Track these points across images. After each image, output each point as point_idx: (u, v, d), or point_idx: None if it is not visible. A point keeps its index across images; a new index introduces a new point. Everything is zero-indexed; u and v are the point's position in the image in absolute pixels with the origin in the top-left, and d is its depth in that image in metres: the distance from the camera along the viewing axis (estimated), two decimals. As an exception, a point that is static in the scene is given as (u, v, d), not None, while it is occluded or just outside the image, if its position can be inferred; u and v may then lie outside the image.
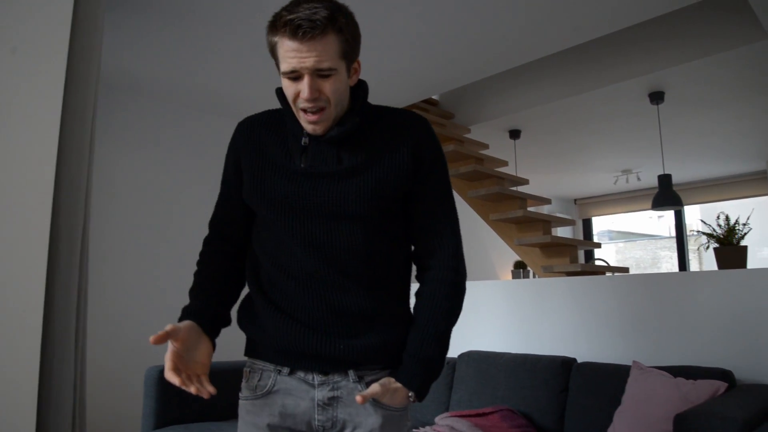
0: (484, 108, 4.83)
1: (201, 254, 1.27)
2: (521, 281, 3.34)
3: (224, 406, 2.82)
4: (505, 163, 5.06)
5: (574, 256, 4.29)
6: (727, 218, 3.03)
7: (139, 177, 3.87)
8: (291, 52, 1.02)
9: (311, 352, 1.10)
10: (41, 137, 1.52)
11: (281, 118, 1.20)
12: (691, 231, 7.04)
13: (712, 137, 5.24)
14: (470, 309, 3.38)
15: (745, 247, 2.97)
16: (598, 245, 4.64)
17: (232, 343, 4.17)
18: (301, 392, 1.12)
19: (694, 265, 7.31)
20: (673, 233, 7.40)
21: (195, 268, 1.28)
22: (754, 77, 3.94)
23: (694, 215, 7.56)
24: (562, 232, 7.76)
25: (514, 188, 4.96)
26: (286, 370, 1.14)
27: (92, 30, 1.70)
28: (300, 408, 1.11)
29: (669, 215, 7.75)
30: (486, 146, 5.17)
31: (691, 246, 7.13)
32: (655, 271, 9.50)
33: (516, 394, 2.64)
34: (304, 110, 1.07)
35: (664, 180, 4.74)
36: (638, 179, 6.76)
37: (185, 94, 3.96)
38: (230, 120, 4.41)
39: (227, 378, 2.84)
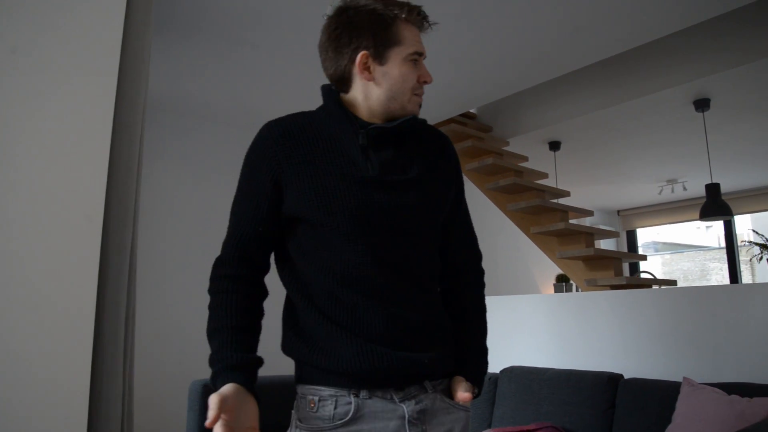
0: (523, 120, 4.79)
1: (219, 281, 1.09)
2: (564, 295, 3.28)
3: (270, 423, 2.84)
4: (545, 176, 4.99)
5: (618, 269, 4.19)
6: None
7: (184, 196, 3.97)
8: (417, 37, 1.10)
9: (389, 370, 1.03)
10: (93, 158, 1.58)
11: (315, 120, 1.12)
12: (742, 241, 6.77)
13: (762, 144, 5.05)
14: (512, 324, 3.34)
15: (802, 258, 2.85)
16: (644, 257, 4.51)
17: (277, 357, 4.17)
18: (387, 413, 1.04)
19: (746, 277, 7.02)
20: (723, 244, 7.14)
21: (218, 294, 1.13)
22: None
23: (745, 225, 7.28)
24: (605, 244, 7.58)
25: (555, 200, 4.88)
26: (365, 393, 1.03)
27: (141, 54, 1.77)
28: (389, 429, 1.03)
29: (718, 225, 7.49)
30: (525, 159, 5.11)
31: (743, 257, 6.86)
32: (705, 283, 9.17)
33: (560, 411, 2.58)
34: (417, 94, 1.12)
35: (712, 189, 4.59)
36: (684, 189, 6.57)
37: (229, 115, 4.06)
38: (270, 137, 4.51)
39: (274, 393, 2.87)
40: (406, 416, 1.03)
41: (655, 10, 2.77)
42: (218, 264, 1.12)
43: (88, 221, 1.55)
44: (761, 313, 2.42)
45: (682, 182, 6.43)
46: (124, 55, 1.71)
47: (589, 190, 6.85)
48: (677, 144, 5.11)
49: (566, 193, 4.93)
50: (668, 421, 2.21)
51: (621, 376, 2.57)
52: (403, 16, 1.07)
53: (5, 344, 1.38)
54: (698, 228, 8.49)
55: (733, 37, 3.32)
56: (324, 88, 1.13)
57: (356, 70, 1.08)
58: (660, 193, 6.83)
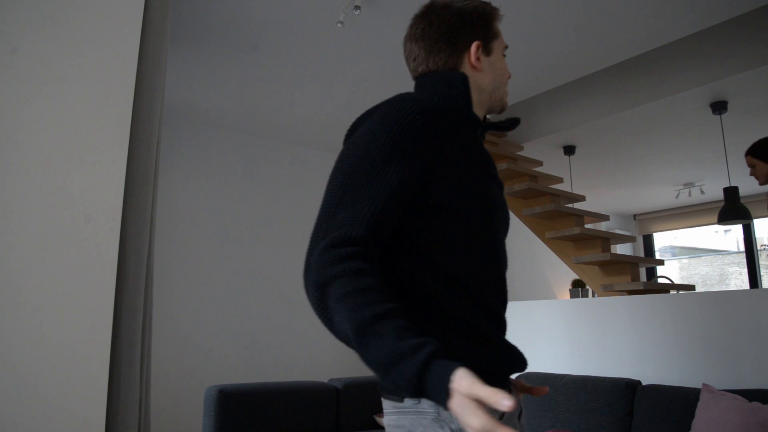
0: (537, 124, 4.77)
1: (351, 260, 0.83)
2: (580, 300, 3.25)
3: (288, 428, 2.84)
4: (560, 180, 4.95)
5: (635, 274, 4.14)
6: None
7: (199, 202, 4.01)
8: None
9: (522, 368, 1.04)
10: (111, 165, 1.60)
11: (446, 107, 1.04)
12: (762, 245, 6.68)
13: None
14: (528, 329, 3.31)
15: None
16: (661, 262, 4.45)
17: (298, 363, 4.20)
18: (513, 412, 1.03)
19: (766, 282, 6.91)
20: (742, 248, 7.04)
21: (345, 276, 0.83)
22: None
23: (765, 228, 7.18)
24: (621, 249, 7.52)
25: (570, 205, 4.84)
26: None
27: (157, 63, 1.79)
28: (517, 425, 1.06)
29: (737, 229, 7.39)
30: (540, 163, 5.09)
31: (763, 261, 6.76)
32: (724, 288, 9.03)
33: (577, 418, 2.56)
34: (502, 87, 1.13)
35: (731, 192, 4.53)
36: (701, 192, 6.48)
37: (243, 122, 4.09)
38: (288, 147, 4.53)
39: (292, 398, 2.88)
40: (522, 411, 1.08)
41: (670, 13, 2.75)
42: (343, 242, 0.85)
43: (105, 228, 1.57)
44: (782, 319, 2.38)
45: (700, 186, 6.35)
46: (141, 63, 1.73)
47: (604, 195, 6.79)
48: (694, 147, 5.05)
49: (581, 198, 4.89)
50: (687, 428, 2.18)
51: (639, 382, 2.54)
52: (496, 18, 1.13)
53: (23, 350, 1.40)
54: (716, 232, 8.37)
55: (750, 40, 3.28)
56: (459, 75, 1.07)
57: (470, 60, 1.09)
58: (677, 196, 6.75)
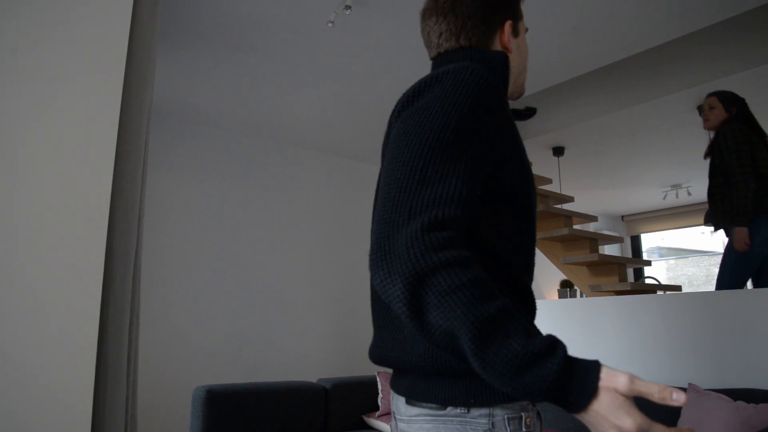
0: (527, 125, 4.79)
1: (454, 248, 0.73)
2: (568, 301, 3.27)
3: (276, 428, 2.84)
4: (549, 181, 4.99)
5: (622, 275, 4.18)
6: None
7: (188, 202, 3.99)
8: None
9: None
10: (98, 163, 1.59)
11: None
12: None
13: None
14: (516, 329, 3.31)
15: (808, 264, 2.83)
16: (648, 263, 4.49)
17: (292, 363, 4.20)
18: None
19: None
20: (728, 249, 7.10)
21: (441, 272, 0.72)
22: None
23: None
24: (609, 249, 7.57)
25: (559, 206, 4.87)
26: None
27: (146, 61, 1.78)
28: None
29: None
30: (529, 164, 5.11)
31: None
32: (710, 288, 9.12)
33: (565, 417, 2.57)
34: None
35: (717, 194, 4.57)
36: (688, 194, 6.55)
37: (233, 121, 4.08)
38: (279, 146, 4.52)
39: (280, 399, 2.88)
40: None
41: (658, 16, 2.77)
42: (441, 224, 0.74)
43: (92, 227, 1.55)
44: (766, 319, 2.41)
45: (687, 187, 6.41)
46: (129, 61, 1.72)
47: (593, 196, 6.84)
48: (681, 149, 5.10)
49: (570, 199, 4.92)
50: (674, 426, 2.20)
51: (626, 382, 2.56)
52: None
53: (8, 349, 1.39)
54: (703, 233, 8.45)
55: (736, 43, 3.32)
56: (501, 54, 1.01)
57: (502, 40, 1.04)
58: (664, 198, 6.81)
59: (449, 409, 0.88)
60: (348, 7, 2.59)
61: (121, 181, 1.67)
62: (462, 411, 0.87)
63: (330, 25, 2.72)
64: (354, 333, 4.54)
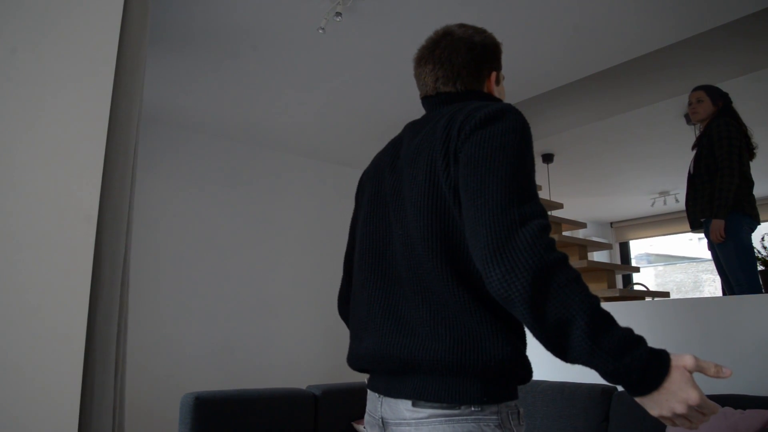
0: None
1: (568, 258, 0.89)
2: (557, 307, 3.27)
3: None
4: (538, 188, 5.02)
5: (611, 281, 4.20)
6: (772, 240, 2.93)
7: (177, 208, 3.97)
8: None
9: None
10: (87, 169, 1.58)
11: None
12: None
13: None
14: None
15: (793, 270, 2.87)
16: (637, 269, 4.53)
17: (279, 370, 4.17)
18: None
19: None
20: (716, 256, 7.17)
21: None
22: (795, 95, 3.84)
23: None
24: (598, 256, 7.61)
25: (549, 213, 4.89)
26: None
27: (136, 66, 1.78)
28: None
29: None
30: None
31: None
32: (698, 295, 9.19)
33: (554, 424, 2.58)
34: None
35: (704, 202, 4.62)
36: (676, 201, 6.61)
37: (223, 127, 4.07)
38: (269, 152, 4.52)
39: (270, 405, 2.86)
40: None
41: (645, 25, 2.81)
42: (548, 230, 0.90)
43: (81, 232, 1.54)
44: (753, 325, 2.43)
45: (675, 194, 6.47)
46: (119, 67, 1.72)
47: (582, 202, 6.89)
48: (669, 156, 5.15)
49: (559, 206, 4.95)
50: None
51: (615, 388, 2.57)
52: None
53: (-5, 357, 1.37)
54: (690, 240, 8.53)
55: (721, 52, 3.36)
56: (499, 101, 1.17)
57: (489, 87, 1.22)
58: (653, 205, 6.87)
59: (463, 408, 0.94)
60: (338, 14, 2.60)
61: (110, 186, 1.67)
62: (476, 409, 0.94)
63: (320, 31, 2.73)
64: (344, 339, 4.51)
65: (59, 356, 1.46)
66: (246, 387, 3.70)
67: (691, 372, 0.82)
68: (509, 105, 1.05)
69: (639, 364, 0.81)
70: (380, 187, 1.16)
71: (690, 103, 3.21)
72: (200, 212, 4.08)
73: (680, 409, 0.81)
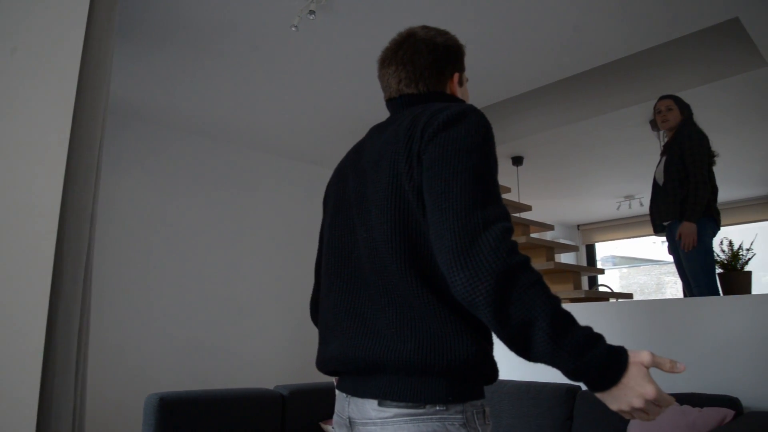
0: (487, 134, 4.87)
1: (530, 260, 0.91)
2: (525, 307, 3.31)
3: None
4: (507, 190, 5.07)
5: (577, 283, 4.27)
6: (731, 243, 3.02)
7: (145, 205, 3.89)
8: None
9: None
10: (48, 164, 1.54)
11: None
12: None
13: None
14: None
15: (750, 273, 2.96)
16: (602, 271, 4.62)
17: (250, 369, 4.11)
18: None
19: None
20: (677, 259, 7.36)
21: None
22: (756, 103, 3.97)
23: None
24: (565, 258, 7.74)
25: (517, 215, 4.96)
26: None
27: (102, 59, 1.74)
28: None
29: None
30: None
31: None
32: (660, 296, 9.42)
33: (520, 423, 2.61)
34: None
35: (667, 206, 4.74)
36: (641, 205, 6.77)
37: (189, 122, 4.01)
38: (239, 150, 4.46)
39: (236, 406, 2.83)
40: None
41: (613, 33, 2.87)
42: (511, 232, 0.92)
43: (41, 229, 1.50)
44: (711, 326, 2.50)
45: (639, 198, 6.62)
46: (85, 59, 1.67)
47: (550, 205, 6.99)
48: (634, 161, 5.27)
49: (528, 208, 5.02)
50: (624, 431, 2.26)
51: (579, 387, 2.61)
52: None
53: (-51, 356, 1.33)
54: (654, 243, 8.74)
55: (690, 59, 3.45)
56: (462, 102, 1.19)
57: (452, 88, 1.23)
58: (618, 208, 7.02)
59: (428, 407, 0.95)
60: (312, 12, 2.59)
61: (73, 182, 1.63)
62: (441, 408, 0.95)
63: (294, 29, 2.71)
64: (313, 339, 4.50)
65: (17, 356, 1.42)
66: (213, 387, 3.65)
67: (647, 367, 0.86)
68: (471, 106, 1.05)
69: (598, 362, 0.84)
70: (345, 191, 1.16)
71: (659, 111, 3.29)
72: (168, 209, 4.01)
73: (638, 403, 0.84)
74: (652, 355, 0.86)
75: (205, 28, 2.80)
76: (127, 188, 3.82)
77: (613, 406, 0.88)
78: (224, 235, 4.29)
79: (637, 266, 9.89)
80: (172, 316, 3.89)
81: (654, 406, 0.86)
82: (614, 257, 9.50)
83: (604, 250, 8.79)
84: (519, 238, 4.29)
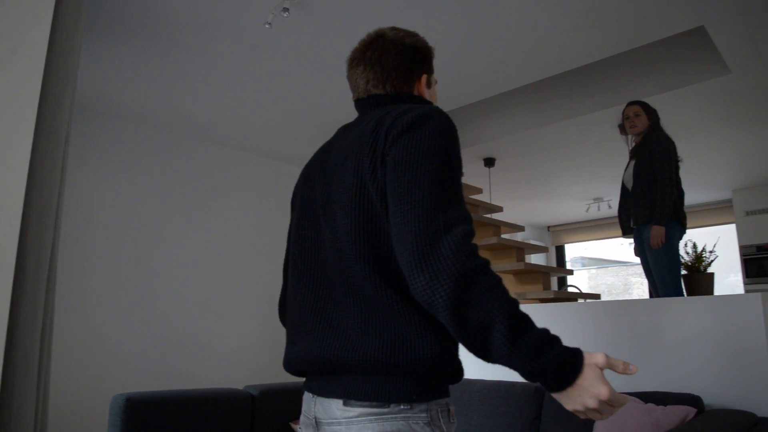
0: (460, 136, 4.90)
1: (489, 264, 0.91)
2: (495, 307, 3.34)
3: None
4: (479, 191, 5.12)
5: (547, 283, 4.33)
6: (695, 246, 3.10)
7: (112, 201, 3.81)
8: None
9: None
10: (12, 159, 1.50)
11: None
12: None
13: (681, 167, 5.39)
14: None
15: (712, 274, 3.04)
16: (571, 272, 4.69)
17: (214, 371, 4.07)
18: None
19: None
20: (644, 260, 7.52)
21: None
22: (718, 110, 4.09)
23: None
24: (535, 258, 7.85)
25: (489, 215, 5.01)
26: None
27: (69, 52, 1.70)
28: None
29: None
30: (462, 173, 5.22)
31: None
32: (627, 297, 9.62)
33: (490, 422, 2.63)
34: None
35: (634, 208, 4.84)
36: (609, 207, 6.90)
37: (159, 118, 3.94)
38: (208, 146, 4.40)
39: (205, 407, 2.79)
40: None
41: (584, 38, 2.92)
42: (472, 235, 0.92)
43: (3, 224, 1.46)
44: (676, 326, 2.57)
45: (608, 201, 6.75)
46: (51, 52, 1.63)
47: (521, 206, 7.08)
48: (603, 164, 5.37)
49: (499, 209, 5.07)
50: (590, 429, 2.30)
51: (547, 386, 2.65)
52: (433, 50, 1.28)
53: None
54: (622, 244, 8.92)
55: (655, 66, 3.53)
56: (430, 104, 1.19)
57: (419, 89, 1.23)
58: (587, 210, 7.14)
59: (392, 406, 0.95)
60: (286, 10, 2.57)
61: (38, 176, 1.58)
62: (405, 407, 0.96)
63: (267, 26, 2.69)
64: (283, 338, 4.46)
65: (-24, 356, 1.38)
66: (181, 387, 3.60)
67: (602, 369, 0.87)
68: (436, 108, 1.06)
69: (554, 363, 0.86)
70: (311, 192, 1.16)
71: (627, 117, 3.36)
72: (135, 207, 3.94)
73: (592, 403, 0.86)
74: (607, 357, 0.88)
75: (176, 24, 2.76)
76: (95, 184, 3.74)
77: (569, 406, 0.90)
78: (193, 233, 4.23)
79: (605, 267, 10.08)
80: (139, 315, 3.82)
81: (607, 406, 0.87)
82: (583, 258, 9.67)
83: (573, 251, 8.94)
84: (490, 239, 4.33)
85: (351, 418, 0.97)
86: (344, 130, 1.20)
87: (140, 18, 2.71)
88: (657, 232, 3.03)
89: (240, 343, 4.37)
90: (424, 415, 0.97)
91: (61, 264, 3.33)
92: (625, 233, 3.38)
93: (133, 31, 2.83)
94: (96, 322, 3.59)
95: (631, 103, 3.38)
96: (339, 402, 0.99)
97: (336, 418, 0.99)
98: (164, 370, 3.85)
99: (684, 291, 3.06)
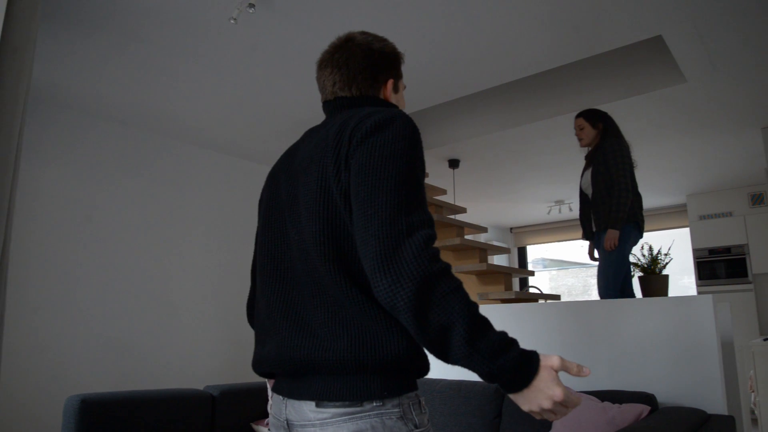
0: (424, 137, 4.93)
1: (450, 267, 0.94)
2: (458, 308, 3.37)
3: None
4: (443, 192, 5.16)
5: (509, 284, 4.40)
6: (651, 248, 3.19)
7: (67, 196, 3.70)
8: None
9: None
10: (-40, 152, 1.44)
11: None
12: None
13: (636, 172, 5.54)
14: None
15: (667, 276, 3.14)
16: (532, 273, 4.77)
17: (179, 371, 4.00)
18: None
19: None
20: (602, 262, 7.70)
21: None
22: (675, 117, 4.22)
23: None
24: (497, 260, 7.95)
25: (452, 216, 5.05)
26: None
27: (24, 42, 1.64)
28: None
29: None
30: (425, 175, 5.26)
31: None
32: (587, 298, 9.84)
33: (451, 421, 2.66)
34: None
35: (594, 211, 4.95)
36: (570, 210, 7.05)
37: (121, 113, 3.85)
38: (170, 142, 4.32)
39: (164, 407, 2.73)
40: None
41: (548, 43, 2.97)
42: (433, 239, 0.95)
43: (-49, 220, 1.40)
44: (631, 326, 2.64)
45: (569, 203, 6.90)
46: (5, 41, 1.58)
47: (484, 208, 7.16)
48: (565, 168, 5.49)
49: (463, 210, 5.12)
50: (549, 427, 2.34)
51: (508, 385, 2.69)
52: (403, 56, 1.30)
53: None
54: (582, 246, 9.12)
55: (614, 74, 3.63)
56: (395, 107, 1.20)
57: (385, 94, 1.25)
58: (549, 212, 7.28)
59: (365, 404, 0.97)
60: (252, 6, 2.54)
61: (-11, 170, 1.53)
62: (378, 404, 0.98)
63: (232, 22, 2.65)
64: (244, 339, 4.42)
65: None
66: (139, 388, 3.52)
67: (557, 371, 0.90)
68: (399, 111, 1.08)
69: (511, 365, 0.89)
70: (277, 193, 1.17)
71: (575, 130, 3.45)
72: (92, 202, 3.83)
73: (547, 404, 0.89)
74: (561, 359, 0.91)
75: (137, 14, 2.70)
76: (49, 179, 3.62)
77: (525, 406, 0.92)
78: (151, 229, 4.14)
79: (566, 269, 10.30)
80: (95, 314, 3.72)
81: (561, 407, 0.90)
82: (544, 260, 9.85)
83: (534, 252, 9.10)
84: (453, 240, 4.37)
85: (325, 419, 0.98)
86: (311, 133, 1.21)
87: (97, 8, 2.64)
88: (611, 235, 3.13)
89: (201, 343, 4.30)
90: (396, 410, 0.99)
91: (13, 262, 3.21)
92: (587, 238, 3.47)
93: (90, 21, 2.75)
94: (49, 320, 3.48)
95: (576, 116, 3.46)
96: (311, 404, 1.00)
97: (309, 420, 1.00)
98: (121, 370, 3.76)
99: (634, 293, 3.16)
